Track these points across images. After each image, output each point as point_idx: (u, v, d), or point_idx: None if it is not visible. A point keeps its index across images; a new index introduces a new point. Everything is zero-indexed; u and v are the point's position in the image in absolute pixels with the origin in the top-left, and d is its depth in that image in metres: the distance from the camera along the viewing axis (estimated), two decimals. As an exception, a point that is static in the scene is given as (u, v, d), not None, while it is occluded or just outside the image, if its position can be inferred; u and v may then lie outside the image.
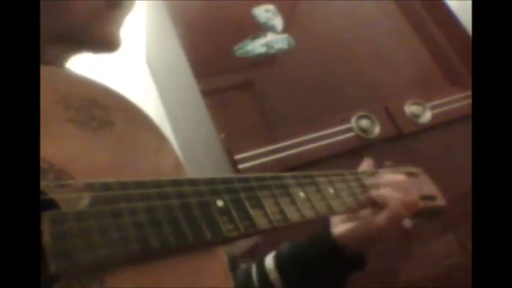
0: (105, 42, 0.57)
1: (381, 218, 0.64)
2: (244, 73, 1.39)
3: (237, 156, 1.19)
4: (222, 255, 0.42)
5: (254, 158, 1.22)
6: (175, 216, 0.39)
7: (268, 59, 1.41)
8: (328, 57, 1.48)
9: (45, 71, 0.41)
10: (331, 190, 0.61)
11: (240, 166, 1.19)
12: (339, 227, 0.69)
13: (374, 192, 0.67)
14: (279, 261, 0.70)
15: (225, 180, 0.47)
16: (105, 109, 0.43)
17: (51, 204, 0.34)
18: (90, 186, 0.36)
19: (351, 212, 0.67)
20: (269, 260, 0.71)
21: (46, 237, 0.32)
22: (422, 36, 1.66)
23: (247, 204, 0.46)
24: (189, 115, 1.47)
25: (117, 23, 0.58)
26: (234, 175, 0.49)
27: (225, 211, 0.44)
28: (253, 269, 0.71)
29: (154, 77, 1.69)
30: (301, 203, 0.53)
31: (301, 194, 0.55)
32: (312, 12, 1.58)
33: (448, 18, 1.64)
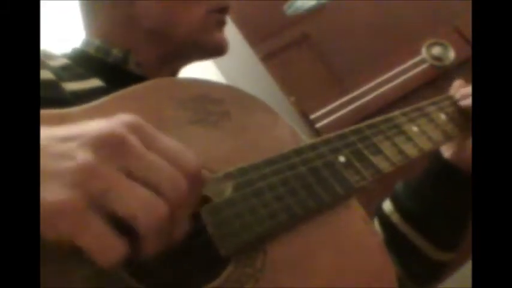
0: (216, 48, 0.61)
1: None
2: (297, 29, 1.34)
3: (312, 116, 1.16)
4: (355, 205, 0.45)
5: (329, 114, 1.18)
6: (307, 182, 0.43)
7: (317, 11, 1.34)
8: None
9: (161, 83, 0.47)
10: (443, 116, 0.59)
11: (317, 125, 1.16)
12: (450, 149, 0.65)
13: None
14: (396, 201, 0.67)
15: (340, 137, 0.49)
16: (217, 101, 0.46)
17: (204, 199, 0.38)
18: (228, 176, 0.40)
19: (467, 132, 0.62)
20: (387, 204, 0.68)
21: (210, 228, 0.36)
22: None
23: (366, 153, 0.48)
24: (254, 86, 1.45)
25: (221, 26, 0.62)
26: (347, 129, 0.50)
27: (348, 165, 0.46)
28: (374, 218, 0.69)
29: (214, 60, 1.67)
30: (417, 137, 0.54)
31: (415, 129, 0.55)
32: None
33: None
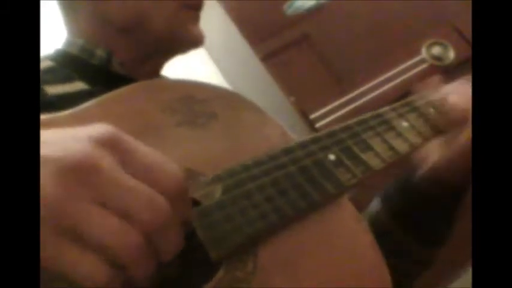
0: (193, 42, 0.61)
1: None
2: (297, 29, 1.34)
3: (312, 116, 1.16)
4: (347, 203, 0.45)
5: (329, 113, 1.18)
6: (297, 181, 0.42)
7: (317, 11, 1.35)
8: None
9: (147, 85, 0.46)
10: (432, 110, 0.58)
11: (317, 125, 1.16)
12: (432, 157, 0.61)
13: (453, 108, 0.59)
14: (384, 197, 0.65)
15: (330, 134, 0.48)
16: (204, 102, 0.46)
17: (193, 202, 0.37)
18: (217, 178, 0.40)
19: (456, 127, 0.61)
20: (375, 202, 0.67)
21: (199, 232, 0.36)
22: None
23: (356, 150, 0.47)
24: (253, 86, 1.45)
25: (196, 19, 0.61)
26: (337, 126, 0.49)
27: (339, 163, 0.46)
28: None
29: (214, 60, 1.67)
30: (406, 132, 0.53)
31: (405, 124, 0.54)
32: None
33: None
